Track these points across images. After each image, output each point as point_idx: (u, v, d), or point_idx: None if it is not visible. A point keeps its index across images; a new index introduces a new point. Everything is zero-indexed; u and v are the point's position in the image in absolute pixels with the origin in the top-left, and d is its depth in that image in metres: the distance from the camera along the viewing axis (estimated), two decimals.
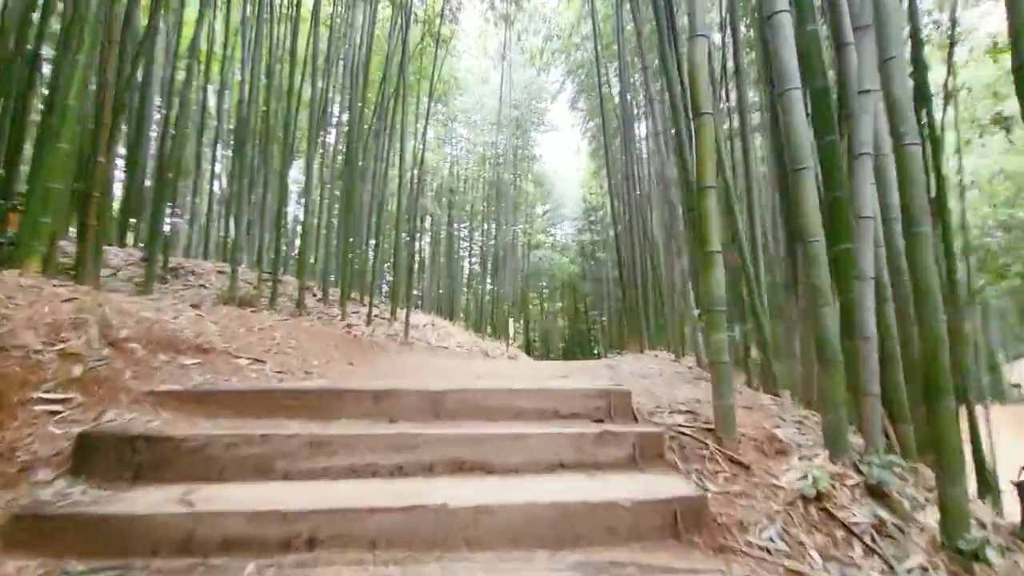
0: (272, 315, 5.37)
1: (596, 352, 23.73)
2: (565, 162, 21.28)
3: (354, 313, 7.86)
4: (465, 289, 19.72)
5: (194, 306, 4.11)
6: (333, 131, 10.90)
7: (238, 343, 3.42)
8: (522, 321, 20.63)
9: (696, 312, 3.42)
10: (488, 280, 19.12)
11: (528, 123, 17.39)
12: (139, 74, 6.80)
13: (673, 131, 4.65)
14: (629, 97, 9.56)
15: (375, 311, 8.48)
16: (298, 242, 9.46)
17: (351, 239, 8.77)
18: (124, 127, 9.12)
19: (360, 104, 8.33)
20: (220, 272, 7.20)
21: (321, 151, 10.11)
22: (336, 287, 8.79)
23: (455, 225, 18.62)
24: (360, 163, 9.70)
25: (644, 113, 11.40)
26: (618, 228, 9.23)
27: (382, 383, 2.61)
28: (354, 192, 8.59)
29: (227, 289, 6.17)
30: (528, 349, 21.92)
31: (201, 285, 6.48)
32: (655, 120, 7.01)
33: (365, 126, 10.59)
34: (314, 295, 7.88)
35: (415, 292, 14.34)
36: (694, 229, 3.66)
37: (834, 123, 2.72)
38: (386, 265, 13.68)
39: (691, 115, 2.34)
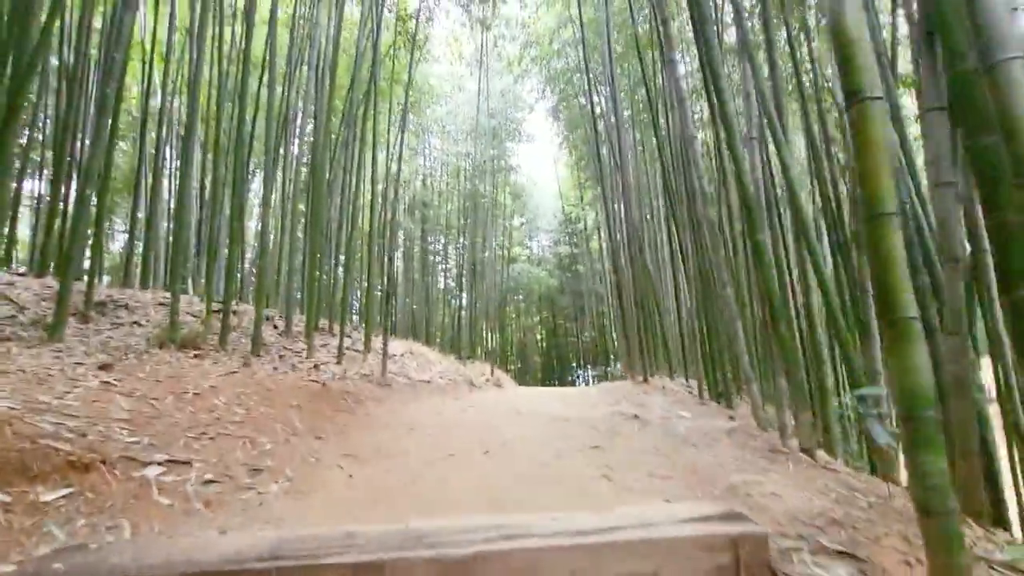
0: (218, 363, 4.31)
1: (577, 367, 22.99)
2: (542, 173, 20.62)
3: (323, 347, 6.80)
4: (441, 305, 18.70)
5: (104, 367, 3.06)
6: (297, 141, 9.81)
7: (157, 427, 2.42)
8: (499, 337, 19.70)
9: (847, 400, 2.60)
10: (464, 296, 18.16)
11: (505, 133, 16.60)
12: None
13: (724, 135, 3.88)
14: (621, 105, 8.84)
15: (347, 341, 7.42)
16: (255, 265, 8.34)
17: (318, 258, 7.72)
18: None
19: (326, 110, 7.33)
20: (162, 304, 6.05)
21: (283, 162, 9.02)
22: (302, 313, 7.71)
23: (429, 239, 17.61)
24: (327, 175, 8.67)
25: (641, 121, 10.77)
26: (616, 247, 8.43)
27: (369, 535, 1.64)
28: (320, 207, 7.56)
29: (166, 328, 5.06)
30: (505, 365, 21.00)
31: (135, 323, 5.34)
32: (673, 124, 6.27)
33: (332, 135, 9.57)
34: (275, 327, 6.79)
35: (390, 315, 13.24)
36: (876, 287, 2.84)
37: None
38: (357, 288, 12.57)
39: (844, 99, 1.52)
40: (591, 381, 16.12)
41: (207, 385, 3.29)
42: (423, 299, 17.15)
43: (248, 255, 10.81)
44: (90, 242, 6.10)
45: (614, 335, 17.90)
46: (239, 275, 8.11)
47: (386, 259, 10.02)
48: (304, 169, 9.17)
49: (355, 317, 12.63)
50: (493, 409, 4.72)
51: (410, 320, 16.46)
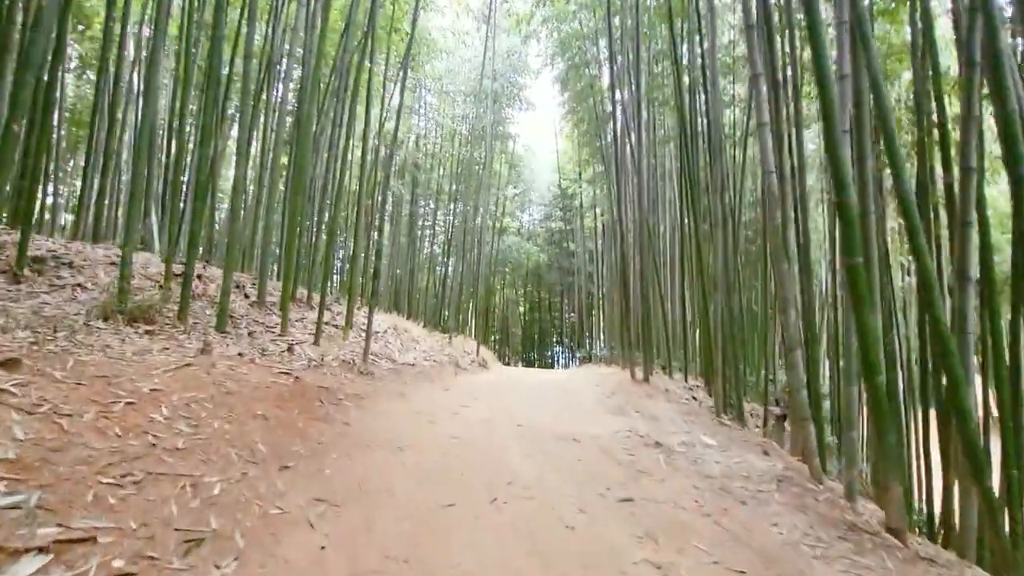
0: (171, 347, 3.59)
1: (558, 343, 22.62)
2: (541, 143, 19.60)
3: (299, 321, 6.08)
4: (426, 272, 17.93)
5: (6, 363, 2.32)
6: (280, 87, 8.77)
7: (58, 469, 1.74)
8: (483, 307, 19.10)
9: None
10: (450, 263, 17.41)
11: (506, 98, 15.54)
12: None
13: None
14: (643, 80, 8.03)
15: (327, 315, 6.70)
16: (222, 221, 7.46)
17: (298, 219, 6.91)
18: None
19: (316, 55, 6.38)
20: (114, 264, 5.22)
21: (265, 109, 8.03)
22: (278, 280, 6.93)
23: (419, 203, 16.67)
24: (314, 128, 7.75)
25: (656, 99, 9.95)
26: (624, 234, 7.78)
27: None
28: (304, 162, 6.69)
29: (114, 294, 4.27)
30: (486, 336, 20.49)
31: (78, 286, 4.53)
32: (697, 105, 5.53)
33: (322, 84, 8.57)
34: (246, 296, 6.02)
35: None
36: None
37: None
38: (340, 253, 11.71)
39: None
40: (573, 362, 15.72)
41: (147, 389, 2.59)
42: (408, 264, 16.35)
43: (225, 210, 9.85)
44: (22, 180, 5.16)
45: (602, 317, 17.45)
46: (208, 234, 7.24)
47: (375, 223, 9.21)
48: (289, 119, 8.20)
49: (336, 287, 11.85)
50: (488, 418, 4.11)
51: (393, 285, 15.70)
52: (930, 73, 3.71)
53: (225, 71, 7.13)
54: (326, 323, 6.42)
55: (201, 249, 7.35)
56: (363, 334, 5.93)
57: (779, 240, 3.09)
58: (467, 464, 2.79)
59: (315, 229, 7.85)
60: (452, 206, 17.43)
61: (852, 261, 2.37)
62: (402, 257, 16.37)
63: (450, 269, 17.51)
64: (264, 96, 7.78)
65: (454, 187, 16.89)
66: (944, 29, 5.53)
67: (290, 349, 4.76)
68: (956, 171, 2.71)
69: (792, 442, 3.63)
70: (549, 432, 3.70)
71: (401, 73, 7.62)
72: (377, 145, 11.12)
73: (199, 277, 5.81)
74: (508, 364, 21.19)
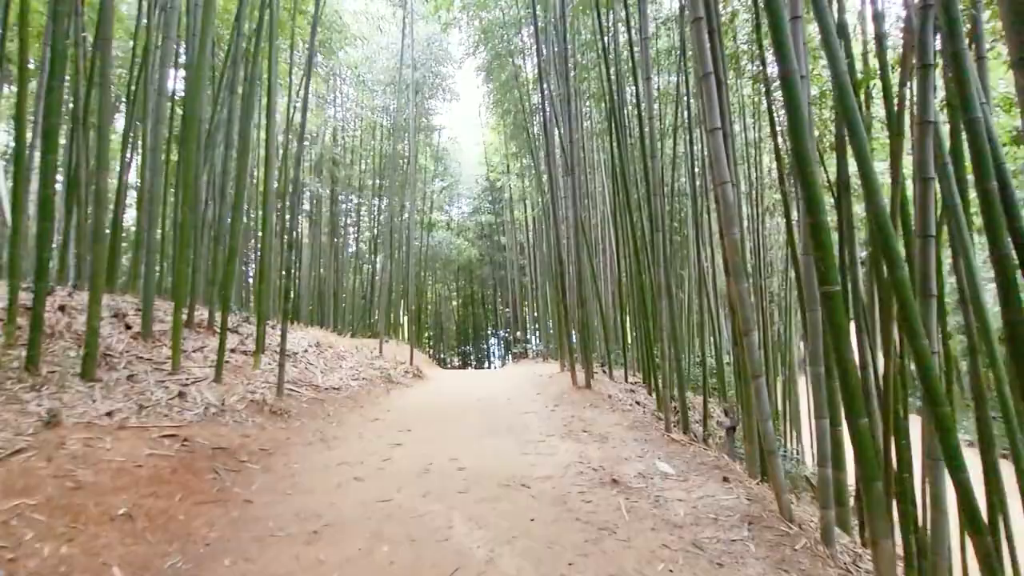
0: (6, 421, 2.73)
1: (492, 336, 22.29)
2: (467, 135, 18.90)
3: (197, 352, 5.18)
4: (352, 271, 16.83)
5: None
6: (157, 78, 7.52)
7: None
8: (414, 304, 18.29)
9: None
10: (378, 261, 16.46)
11: (428, 88, 14.69)
12: None
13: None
14: (572, 72, 7.67)
15: (232, 340, 5.82)
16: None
17: (190, 229, 5.93)
18: None
19: (200, 38, 5.39)
20: None
21: (142, 104, 6.83)
22: (170, 301, 5.91)
23: (340, 200, 15.51)
24: (208, 123, 6.71)
25: (583, 91, 9.64)
26: (557, 233, 7.43)
27: None
28: (191, 162, 5.71)
29: None
30: (419, 333, 19.75)
31: None
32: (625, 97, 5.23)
33: (216, 73, 7.46)
34: (127, 326, 5.02)
35: (292, 295, 11.39)
36: None
37: None
38: (251, 262, 10.52)
39: None
40: (509, 356, 15.41)
41: None
42: (332, 264, 15.21)
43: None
44: None
45: (535, 309, 17.27)
46: (63, 250, 6.06)
47: (287, 226, 8.24)
48: (180, 111, 7.04)
49: (245, 304, 10.66)
50: (425, 465, 3.59)
51: (316, 287, 14.55)
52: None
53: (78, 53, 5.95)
54: (232, 350, 5.56)
55: (73, 273, 6.16)
56: (277, 361, 5.15)
57: (738, 256, 2.80)
58: (400, 552, 2.27)
59: (213, 236, 6.82)
60: (377, 202, 16.43)
61: (829, 289, 2.08)
62: (325, 256, 15.21)
63: (378, 267, 16.57)
64: (145, 87, 6.58)
65: (378, 182, 15.90)
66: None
67: (181, 395, 3.95)
68: (916, 182, 2.51)
69: (749, 463, 3.43)
70: (496, 476, 3.24)
71: (307, 58, 6.72)
72: (286, 140, 10.04)
73: (62, 308, 4.76)
74: (445, 365, 20.59)
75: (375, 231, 16.45)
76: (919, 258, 2.51)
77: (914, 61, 3.46)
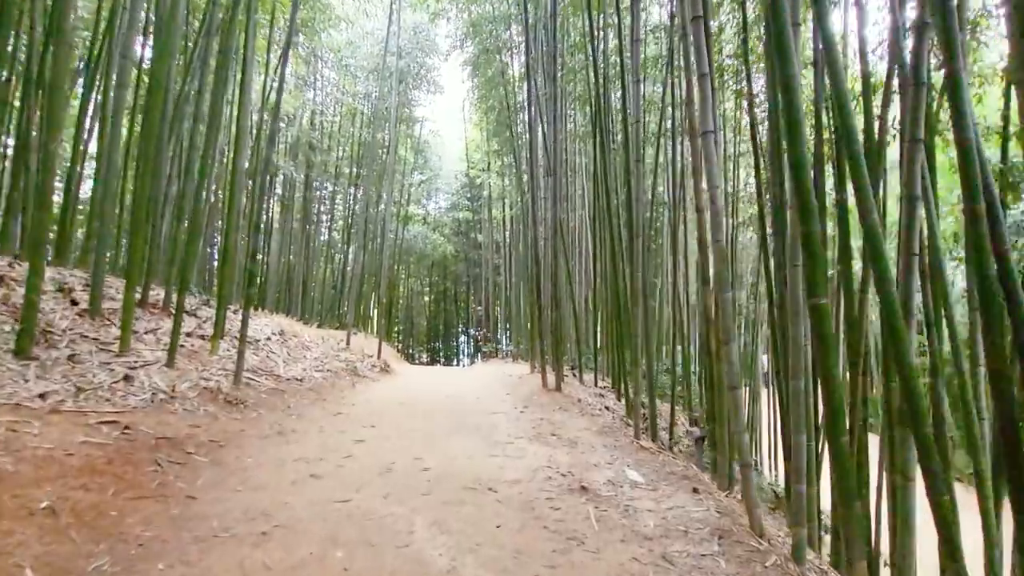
0: None
1: (463, 333, 22.10)
2: (449, 129, 18.62)
3: (150, 334, 4.85)
4: (323, 260, 16.38)
5: None
6: (120, 44, 7.09)
7: None
8: (385, 297, 17.93)
9: None
10: (351, 254, 16.06)
11: (413, 79, 14.39)
12: None
13: None
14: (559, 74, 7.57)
15: (190, 323, 5.49)
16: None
17: (150, 202, 5.58)
18: None
19: (170, 3, 5.06)
20: None
21: (106, 68, 6.40)
22: (125, 278, 5.53)
23: (314, 186, 15.05)
24: (179, 92, 6.35)
25: (569, 94, 9.57)
26: (535, 234, 7.33)
27: None
28: (155, 132, 5.38)
29: None
30: (389, 327, 19.40)
31: None
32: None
33: (188, 43, 7.09)
34: (74, 303, 4.66)
35: (256, 280, 10.95)
36: None
37: None
38: (217, 240, 10.06)
39: None
40: (479, 354, 15.26)
41: None
42: (302, 252, 14.74)
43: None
44: None
45: (508, 309, 17.16)
46: (7, 217, 5.62)
47: (257, 208, 7.87)
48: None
49: (207, 287, 10.21)
50: (389, 463, 3.42)
51: (285, 274, 14.08)
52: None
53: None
54: (189, 333, 5.24)
55: (20, 244, 5.71)
56: (236, 346, 4.86)
57: (724, 264, 2.74)
58: (357, 557, 2.10)
59: (177, 215, 6.44)
60: (353, 191, 16.03)
61: (817, 301, 2.02)
62: (296, 243, 14.72)
63: (351, 257, 16.16)
64: (110, 51, 6.15)
65: (355, 171, 15.50)
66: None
67: (127, 378, 3.66)
68: (903, 201, 2.49)
69: (719, 474, 3.39)
70: (462, 478, 3.10)
71: (287, 36, 6.42)
72: (261, 119, 9.65)
73: (1, 279, 4.38)
74: (414, 360, 20.25)
75: (349, 220, 16.05)
76: (902, 277, 2.49)
77: (895, 82, 3.49)
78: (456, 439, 4.03)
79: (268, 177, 12.44)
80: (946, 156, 5.72)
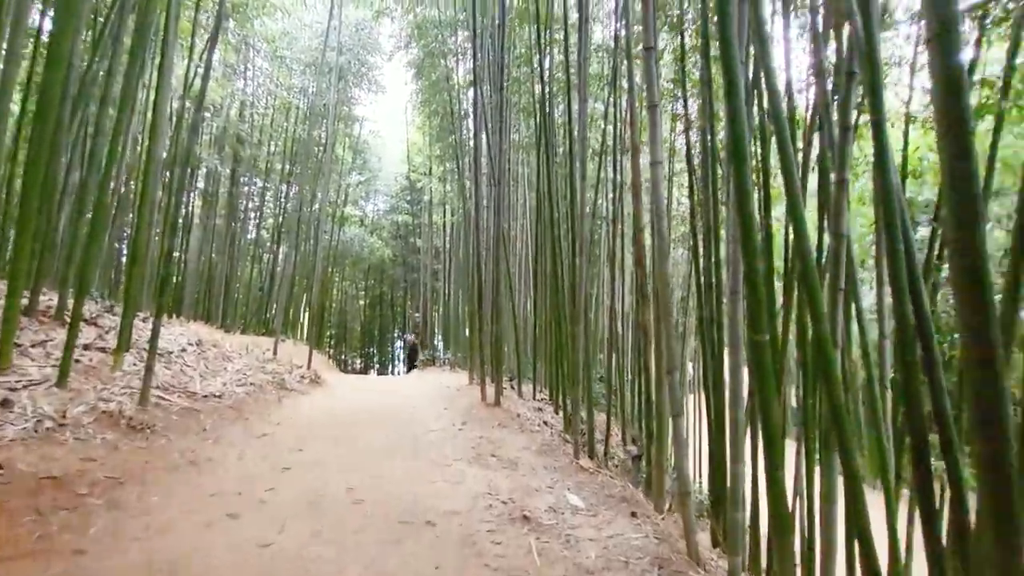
0: None
1: (399, 339, 21.52)
2: (390, 130, 18.06)
3: (39, 347, 4.24)
4: (250, 260, 15.33)
5: None
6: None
7: None
8: (317, 306, 17.04)
9: None
10: (282, 254, 15.16)
11: (353, 76, 13.84)
12: None
13: None
14: (506, 83, 7.51)
15: (90, 333, 4.88)
16: None
17: (38, 192, 4.90)
18: None
19: None
20: None
21: None
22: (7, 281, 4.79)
23: (241, 183, 14.06)
24: (85, 71, 5.66)
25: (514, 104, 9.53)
26: (478, 243, 7.22)
27: None
28: (49, 110, 4.74)
29: None
30: (320, 331, 18.51)
31: None
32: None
33: (97, 16, 6.37)
34: None
35: (170, 283, 10.06)
36: None
37: None
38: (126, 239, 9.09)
39: None
40: (417, 363, 14.86)
41: None
42: (226, 251, 13.70)
43: None
44: None
45: (447, 315, 16.89)
46: None
47: (175, 201, 7.16)
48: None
49: (109, 291, 9.25)
50: (317, 494, 3.17)
51: (205, 274, 13.01)
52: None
53: None
54: (87, 346, 4.65)
55: None
56: (144, 360, 4.35)
57: (668, 290, 2.76)
58: None
59: (77, 209, 5.72)
60: (285, 188, 15.16)
61: (759, 338, 2.05)
62: (219, 241, 13.65)
63: (280, 258, 15.24)
64: None
65: (287, 167, 14.67)
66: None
67: (5, 402, 3.14)
68: (830, 238, 2.62)
69: (656, 496, 3.42)
70: (398, 510, 2.91)
71: (216, 17, 5.91)
72: (183, 107, 8.88)
73: None
74: (347, 368, 19.42)
75: (280, 219, 15.14)
76: (828, 309, 2.61)
77: (818, 122, 3.72)
78: (392, 463, 3.82)
79: (189, 169, 11.46)
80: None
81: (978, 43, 4.31)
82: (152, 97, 7.84)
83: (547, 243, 6.91)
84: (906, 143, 5.35)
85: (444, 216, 16.78)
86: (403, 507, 2.96)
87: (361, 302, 23.00)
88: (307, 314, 15.46)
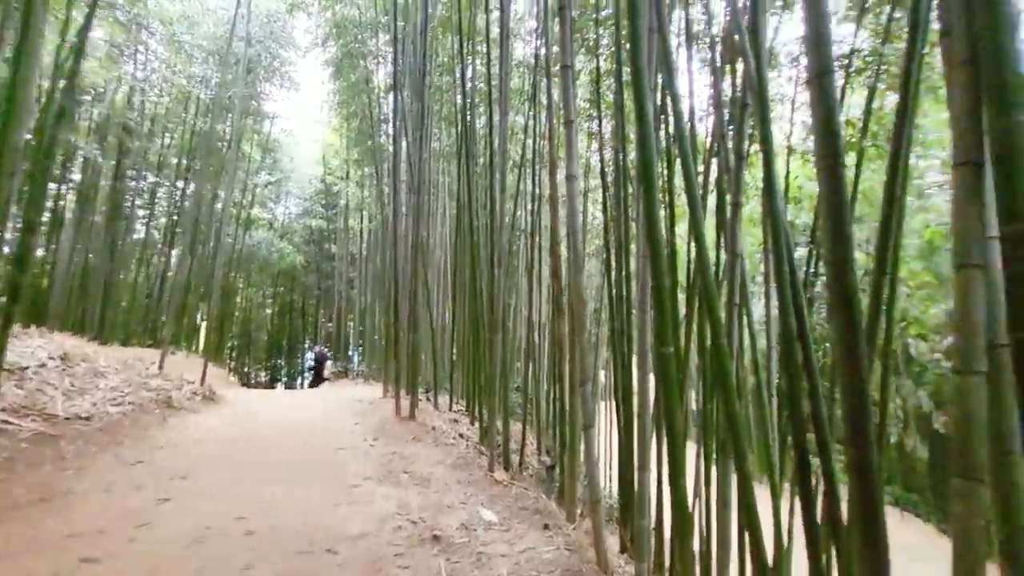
0: None
1: (310, 349, 20.38)
2: (305, 131, 17.10)
3: None
4: (137, 262, 13.71)
5: None
6: None
7: None
8: (217, 315, 15.59)
9: None
10: (174, 258, 13.73)
11: (265, 70, 12.94)
12: None
13: None
14: (429, 90, 7.37)
15: None
16: None
17: None
18: None
19: None
20: None
21: None
22: None
23: (127, 177, 12.56)
24: None
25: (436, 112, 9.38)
26: (395, 252, 6.98)
27: None
28: None
29: None
30: (221, 341, 16.98)
31: None
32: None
33: None
34: None
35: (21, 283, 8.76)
36: None
37: None
38: None
39: None
40: (328, 376, 14.05)
41: None
42: (106, 252, 12.11)
43: None
44: None
45: (362, 325, 16.23)
46: None
47: (39, 194, 6.19)
48: None
49: None
50: (200, 531, 2.82)
51: (78, 278, 11.40)
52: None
53: None
54: None
55: None
56: None
57: (581, 305, 2.79)
58: None
59: None
60: (181, 185, 13.80)
61: (664, 351, 2.12)
62: (97, 241, 12.04)
63: (173, 261, 13.79)
64: None
65: (185, 163, 13.37)
66: None
67: None
68: (728, 257, 2.80)
69: (568, 506, 3.44)
70: (297, 539, 2.65)
71: None
72: (53, 88, 7.77)
73: None
74: (250, 382, 17.92)
75: (175, 218, 13.73)
76: (725, 321, 2.78)
77: (715, 148, 4.01)
78: (292, 487, 3.51)
79: (59, 159, 10.04)
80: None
81: (843, 88, 4.89)
82: (11, 74, 6.77)
83: (466, 253, 6.85)
84: (787, 172, 5.94)
85: (361, 222, 16.14)
86: (302, 535, 2.71)
87: (269, 310, 21.43)
88: (205, 323, 14.10)
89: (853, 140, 4.73)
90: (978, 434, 1.45)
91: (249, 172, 14.81)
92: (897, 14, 4.45)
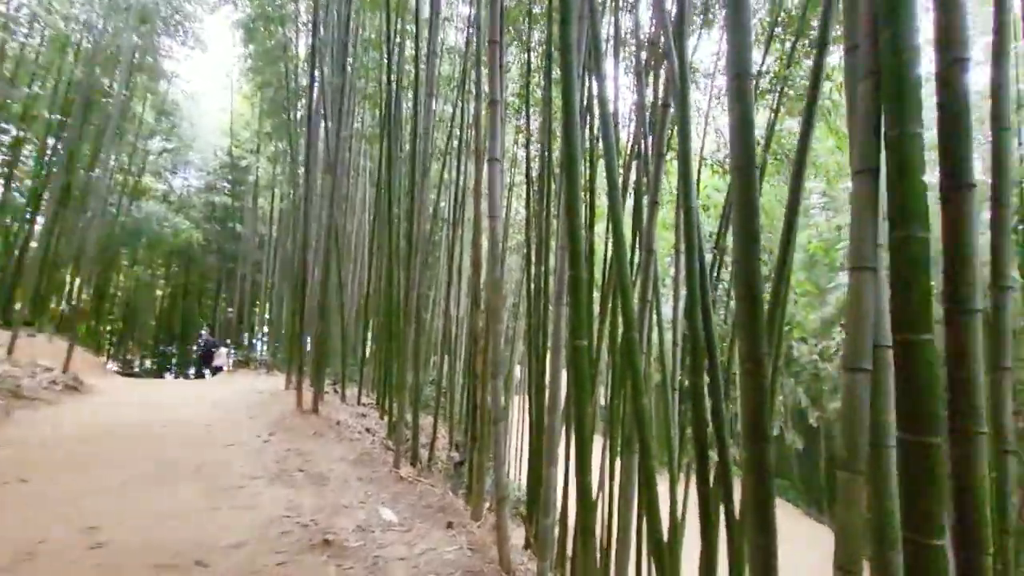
0: None
1: (210, 334, 18.62)
2: (211, 96, 15.38)
3: None
4: None
5: None
6: None
7: None
8: (93, 294, 13.65)
9: None
10: (38, 226, 11.86)
11: (163, 23, 11.46)
12: None
13: None
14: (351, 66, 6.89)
15: None
16: None
17: None
18: None
19: None
20: None
21: None
22: None
23: None
24: None
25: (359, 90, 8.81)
26: (306, 233, 6.48)
27: None
28: None
29: None
30: (99, 323, 15.00)
31: None
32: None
33: None
34: None
35: None
36: None
37: None
38: None
39: None
40: (227, 363, 12.85)
41: None
42: None
43: None
44: None
45: (268, 312, 15.08)
46: None
47: None
48: None
49: None
50: (28, 548, 2.37)
51: None
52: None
53: None
54: None
55: None
56: None
57: (499, 297, 2.67)
58: None
59: None
60: (53, 143, 11.92)
61: (579, 343, 2.06)
62: None
63: (38, 230, 11.89)
64: None
65: (58, 118, 11.55)
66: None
67: None
68: (642, 254, 2.82)
69: (474, 503, 3.32)
70: (159, 551, 2.28)
71: None
72: None
73: None
74: (132, 370, 15.97)
75: (43, 181, 11.82)
76: (637, 317, 2.79)
77: (636, 150, 4.08)
78: (161, 490, 3.07)
79: None
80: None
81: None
82: None
83: (385, 240, 6.50)
84: (698, 180, 6.27)
85: (272, 201, 14.95)
86: (166, 547, 2.35)
87: (159, 292, 19.26)
88: (77, 303, 12.29)
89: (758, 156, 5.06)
90: (861, 428, 1.52)
91: (140, 136, 13.14)
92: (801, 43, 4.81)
